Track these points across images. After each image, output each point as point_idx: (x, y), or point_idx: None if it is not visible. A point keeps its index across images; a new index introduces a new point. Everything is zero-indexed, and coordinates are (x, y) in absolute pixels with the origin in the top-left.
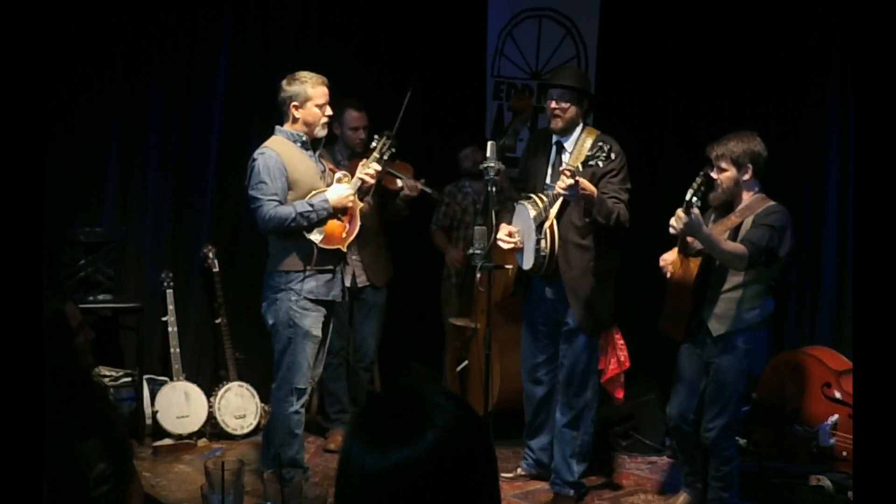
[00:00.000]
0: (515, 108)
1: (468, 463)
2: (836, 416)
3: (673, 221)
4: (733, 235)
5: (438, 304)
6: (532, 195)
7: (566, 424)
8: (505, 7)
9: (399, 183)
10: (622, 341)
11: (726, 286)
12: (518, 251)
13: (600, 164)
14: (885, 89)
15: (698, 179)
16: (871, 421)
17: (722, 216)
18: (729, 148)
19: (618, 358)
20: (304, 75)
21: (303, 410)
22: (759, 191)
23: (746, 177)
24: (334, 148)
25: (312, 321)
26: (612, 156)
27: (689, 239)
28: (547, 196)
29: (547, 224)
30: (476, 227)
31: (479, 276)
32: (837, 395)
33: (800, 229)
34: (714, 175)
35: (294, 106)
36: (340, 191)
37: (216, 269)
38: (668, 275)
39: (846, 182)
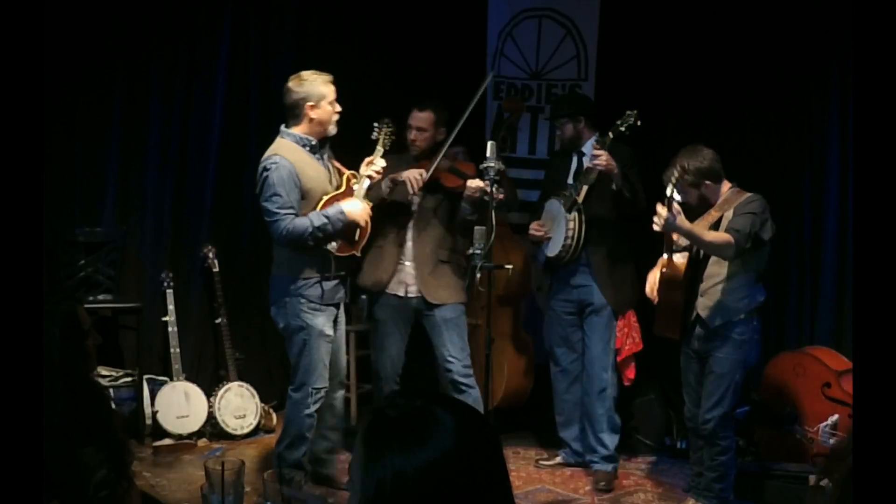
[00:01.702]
0: (508, 110)
1: (477, 468)
2: (836, 416)
3: (655, 219)
4: (714, 230)
5: None
6: (558, 191)
7: (596, 400)
8: (505, 7)
9: (460, 182)
10: (637, 323)
11: (716, 278)
12: (545, 241)
13: (628, 126)
14: (885, 89)
15: (675, 173)
16: (871, 421)
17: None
18: (677, 177)
19: (633, 339)
20: (311, 75)
21: (316, 414)
22: (733, 185)
23: (707, 188)
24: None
25: (324, 320)
26: (638, 122)
27: (675, 236)
28: (573, 186)
29: (580, 199)
30: (476, 227)
31: (478, 276)
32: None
33: (800, 229)
34: (679, 199)
35: (310, 106)
36: (357, 205)
37: (216, 269)
38: (650, 294)
39: (846, 182)
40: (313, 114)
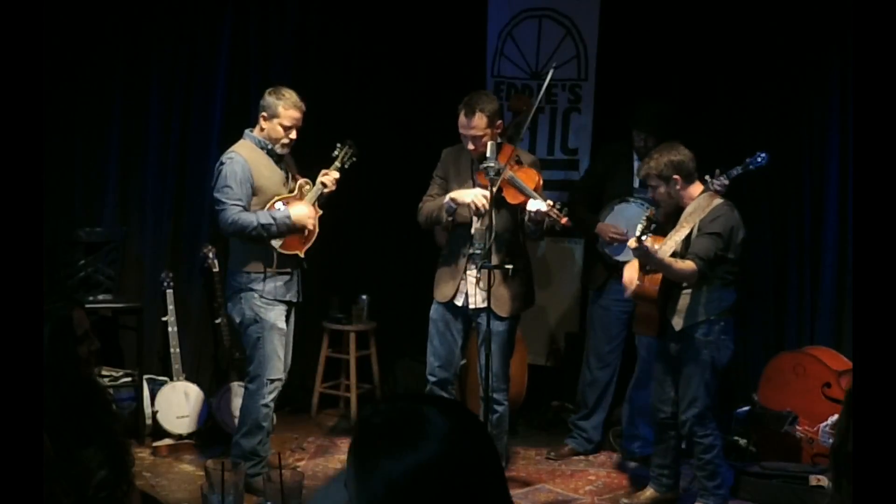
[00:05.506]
0: (514, 109)
1: (471, 468)
2: (836, 416)
3: (631, 243)
4: (686, 243)
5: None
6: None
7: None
8: (505, 7)
9: (522, 199)
10: None
11: (684, 283)
12: (622, 244)
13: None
14: (885, 89)
15: (643, 221)
16: (871, 421)
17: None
18: (651, 167)
19: None
20: (285, 94)
21: (272, 404)
22: (706, 189)
23: (677, 186)
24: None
25: (276, 314)
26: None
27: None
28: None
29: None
30: (476, 228)
31: (480, 276)
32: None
33: (800, 229)
34: (651, 195)
35: (264, 117)
36: (303, 210)
37: (216, 269)
38: (627, 294)
39: (846, 182)
40: (265, 125)
